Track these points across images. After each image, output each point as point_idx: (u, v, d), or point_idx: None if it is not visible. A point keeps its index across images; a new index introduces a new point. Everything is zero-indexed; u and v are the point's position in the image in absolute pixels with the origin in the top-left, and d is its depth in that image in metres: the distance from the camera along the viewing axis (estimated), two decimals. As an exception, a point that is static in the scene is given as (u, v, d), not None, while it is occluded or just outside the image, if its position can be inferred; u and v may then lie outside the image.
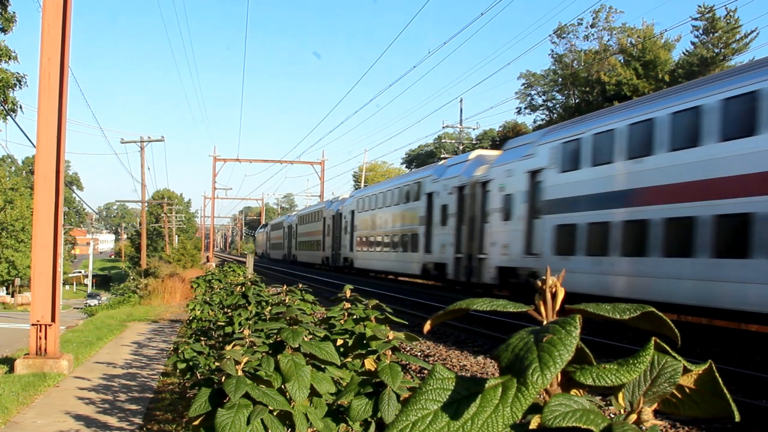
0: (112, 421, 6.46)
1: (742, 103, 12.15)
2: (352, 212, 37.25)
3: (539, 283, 0.90)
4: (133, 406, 7.10)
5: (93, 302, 53.47)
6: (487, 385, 0.77)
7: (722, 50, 35.07)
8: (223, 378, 2.39)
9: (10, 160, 74.11)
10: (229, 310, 5.98)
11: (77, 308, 47.81)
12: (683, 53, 40.30)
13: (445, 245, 24.46)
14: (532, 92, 55.41)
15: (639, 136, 14.66)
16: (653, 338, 0.85)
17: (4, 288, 58.77)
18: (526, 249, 18.68)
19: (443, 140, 53.02)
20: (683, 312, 14.06)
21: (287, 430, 2.39)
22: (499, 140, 57.09)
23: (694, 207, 12.98)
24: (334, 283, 25.96)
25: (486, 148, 39.23)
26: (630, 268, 14.68)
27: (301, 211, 59.61)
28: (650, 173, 14.23)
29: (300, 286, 4.75)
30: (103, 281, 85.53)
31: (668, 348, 0.87)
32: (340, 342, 3.15)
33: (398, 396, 2.34)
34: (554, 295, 0.90)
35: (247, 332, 2.87)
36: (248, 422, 2.22)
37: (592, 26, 48.76)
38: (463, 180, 23.14)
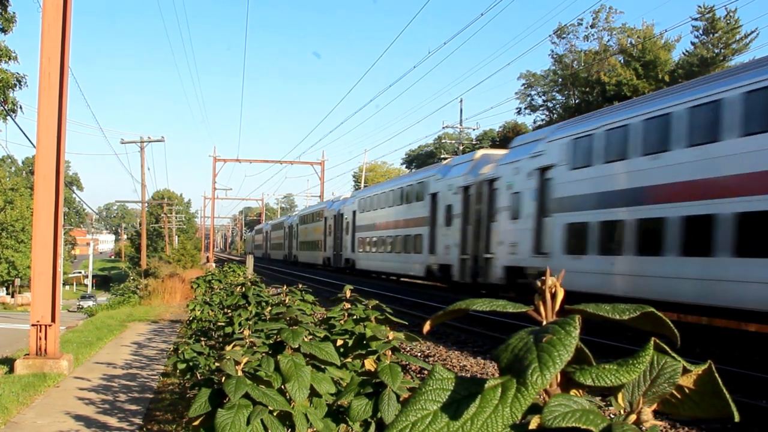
0: (112, 421, 6.47)
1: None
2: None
3: (539, 283, 0.90)
4: (133, 407, 7.10)
5: (87, 304, 52.82)
6: (486, 386, 0.77)
7: (722, 50, 35.07)
8: (223, 378, 2.39)
9: (10, 160, 74.15)
10: (229, 311, 5.98)
11: (71, 311, 46.59)
12: (683, 53, 40.32)
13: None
14: (532, 92, 55.47)
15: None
16: (653, 338, 0.85)
17: (4, 288, 58.76)
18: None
19: (443, 140, 53.03)
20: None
21: (287, 430, 2.39)
22: (499, 140, 57.08)
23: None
24: (334, 284, 25.96)
25: (487, 148, 39.07)
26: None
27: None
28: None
29: (300, 286, 4.75)
30: (103, 281, 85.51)
31: (668, 348, 0.87)
32: (340, 342, 3.15)
33: (398, 396, 2.34)
34: (554, 296, 0.90)
35: (247, 332, 2.87)
36: (248, 422, 2.22)
37: (592, 26, 48.85)
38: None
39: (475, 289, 22.46)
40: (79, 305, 52.13)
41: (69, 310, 46.05)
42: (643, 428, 0.83)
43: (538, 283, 0.90)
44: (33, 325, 9.23)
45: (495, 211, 20.75)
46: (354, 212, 37.08)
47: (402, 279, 32.12)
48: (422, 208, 26.99)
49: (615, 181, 15.38)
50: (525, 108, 56.21)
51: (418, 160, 69.45)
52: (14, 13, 16.47)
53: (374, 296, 3.66)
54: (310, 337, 2.81)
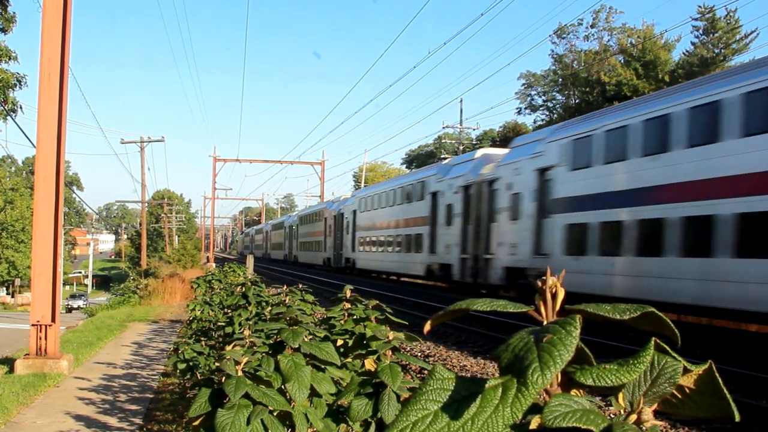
0: (112, 421, 6.46)
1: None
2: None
3: (539, 283, 0.90)
4: (133, 407, 7.10)
5: (77, 303, 51.43)
6: (487, 386, 0.77)
7: (722, 50, 35.06)
8: (223, 378, 2.39)
9: (10, 160, 74.14)
10: (229, 311, 5.98)
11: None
12: (683, 53, 40.30)
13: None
14: (533, 92, 55.44)
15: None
16: (653, 338, 0.85)
17: (4, 288, 58.73)
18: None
19: (443, 140, 53.01)
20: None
21: (287, 430, 2.39)
22: (499, 140, 57.06)
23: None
24: (334, 284, 25.97)
25: (487, 148, 38.86)
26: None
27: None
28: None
29: (300, 286, 4.75)
30: (103, 281, 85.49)
31: (668, 348, 0.87)
32: (340, 342, 3.15)
33: (398, 396, 2.34)
34: (554, 296, 0.90)
35: (247, 332, 2.87)
36: (248, 422, 2.22)
37: (592, 26, 48.81)
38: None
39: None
40: (68, 305, 49.09)
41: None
42: (644, 428, 0.83)
43: (539, 283, 0.90)
44: (33, 325, 9.23)
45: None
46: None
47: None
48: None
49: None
50: (525, 108, 56.22)
51: (418, 160, 69.43)
52: (14, 13, 16.51)
53: (374, 296, 3.66)
54: (310, 337, 2.81)
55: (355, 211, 36.90)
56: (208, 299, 7.48)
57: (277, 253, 66.65)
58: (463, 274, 23.22)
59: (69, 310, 46.90)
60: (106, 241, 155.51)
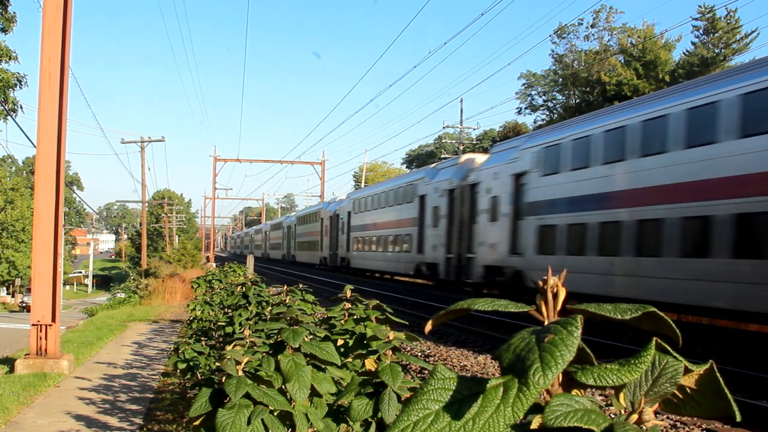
0: (112, 421, 6.47)
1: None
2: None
3: (540, 283, 0.90)
4: (134, 407, 7.10)
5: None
6: (488, 385, 0.77)
7: (722, 50, 35.04)
8: (224, 378, 2.39)
9: (10, 160, 74.10)
10: (229, 311, 5.98)
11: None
12: (684, 53, 40.27)
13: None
14: (533, 92, 55.43)
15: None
16: (654, 338, 0.85)
17: (5, 288, 58.71)
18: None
19: (444, 140, 53.02)
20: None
21: (288, 430, 2.39)
22: (499, 140, 57.05)
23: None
24: (332, 283, 26.03)
25: (486, 148, 40.01)
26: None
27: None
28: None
29: (300, 286, 4.76)
30: (103, 281, 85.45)
31: (669, 348, 0.87)
32: (340, 342, 3.15)
33: (399, 396, 2.34)
34: (555, 295, 0.90)
35: (247, 332, 2.87)
36: (249, 422, 2.22)
37: (592, 26, 48.79)
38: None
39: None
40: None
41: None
42: (645, 428, 0.83)
43: (540, 283, 0.90)
44: (33, 325, 9.23)
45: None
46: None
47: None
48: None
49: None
50: (525, 108, 56.20)
51: (419, 160, 69.37)
52: (14, 13, 16.48)
53: (373, 296, 3.66)
54: (311, 337, 2.81)
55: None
56: (209, 299, 7.49)
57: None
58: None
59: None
60: (107, 241, 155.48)
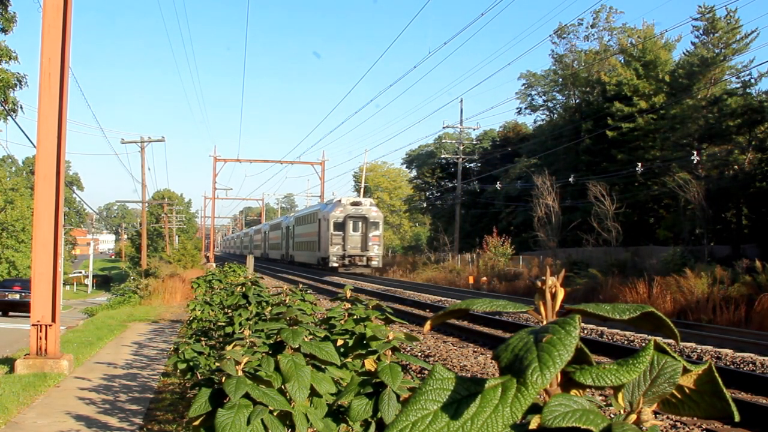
0: (112, 421, 6.47)
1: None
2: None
3: (539, 283, 0.90)
4: (134, 407, 7.10)
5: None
6: (486, 386, 0.77)
7: (723, 50, 34.99)
8: (224, 378, 2.39)
9: (10, 160, 74.09)
10: (229, 311, 5.98)
11: None
12: (684, 53, 40.21)
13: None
14: (533, 92, 55.41)
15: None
16: (653, 338, 0.85)
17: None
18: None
19: (444, 140, 53.03)
20: None
21: (287, 430, 2.39)
22: (499, 140, 57.05)
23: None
24: (331, 282, 26.07)
25: (481, 150, 53.67)
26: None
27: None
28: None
29: (300, 286, 4.75)
30: (103, 281, 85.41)
31: (668, 348, 0.87)
32: (340, 342, 3.15)
33: (398, 396, 2.35)
34: (554, 295, 0.90)
35: (247, 332, 2.87)
36: (248, 422, 2.22)
37: (592, 26, 48.79)
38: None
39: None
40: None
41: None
42: (643, 428, 0.83)
43: (539, 283, 0.90)
44: (33, 325, 9.23)
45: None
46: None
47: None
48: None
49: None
50: (525, 108, 56.20)
51: (419, 160, 69.24)
52: (14, 13, 16.50)
53: (373, 296, 3.66)
54: (311, 336, 2.81)
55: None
56: (209, 299, 7.48)
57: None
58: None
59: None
60: (107, 241, 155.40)
